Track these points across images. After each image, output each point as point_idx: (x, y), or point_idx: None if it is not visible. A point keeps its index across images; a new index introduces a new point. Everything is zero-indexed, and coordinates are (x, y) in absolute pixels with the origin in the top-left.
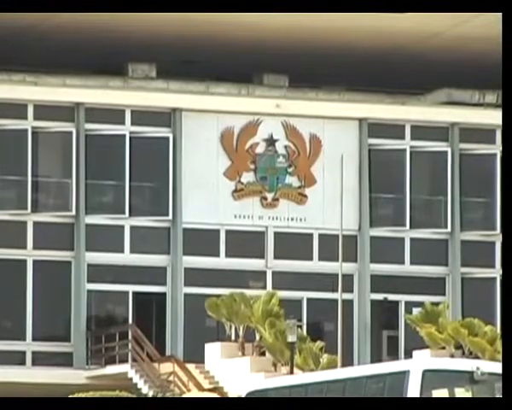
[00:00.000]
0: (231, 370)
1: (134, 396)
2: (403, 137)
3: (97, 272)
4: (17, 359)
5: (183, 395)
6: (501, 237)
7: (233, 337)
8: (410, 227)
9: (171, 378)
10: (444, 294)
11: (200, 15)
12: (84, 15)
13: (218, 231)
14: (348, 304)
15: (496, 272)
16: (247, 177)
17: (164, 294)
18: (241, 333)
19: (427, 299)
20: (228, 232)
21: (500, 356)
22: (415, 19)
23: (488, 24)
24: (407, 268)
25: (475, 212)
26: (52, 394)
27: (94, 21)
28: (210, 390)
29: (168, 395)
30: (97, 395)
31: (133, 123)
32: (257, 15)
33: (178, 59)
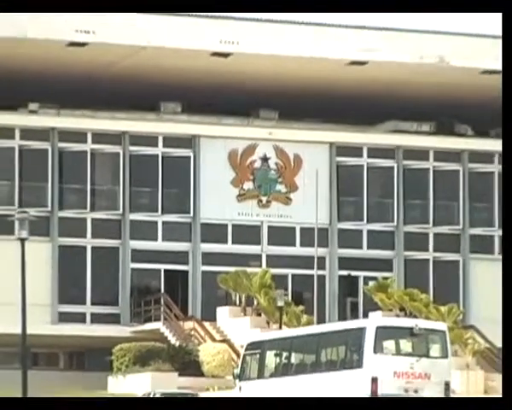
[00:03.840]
0: (236, 326)
1: (163, 345)
2: (362, 156)
3: (138, 255)
4: (80, 318)
5: (201, 346)
6: (433, 229)
7: (237, 303)
8: (367, 222)
9: (192, 333)
10: (391, 271)
11: (215, 64)
12: (127, 66)
13: (226, 225)
14: (321, 278)
15: (429, 255)
16: (248, 185)
17: (187, 271)
18: (243, 300)
19: (379, 275)
20: (233, 226)
21: (432, 316)
22: (372, 69)
23: (428, 72)
24: (365, 252)
25: (414, 211)
26: (105, 344)
27: (135, 70)
28: (221, 341)
29: (190, 345)
30: (138, 345)
31: (164, 146)
32: (256, 69)
33: (198, 99)
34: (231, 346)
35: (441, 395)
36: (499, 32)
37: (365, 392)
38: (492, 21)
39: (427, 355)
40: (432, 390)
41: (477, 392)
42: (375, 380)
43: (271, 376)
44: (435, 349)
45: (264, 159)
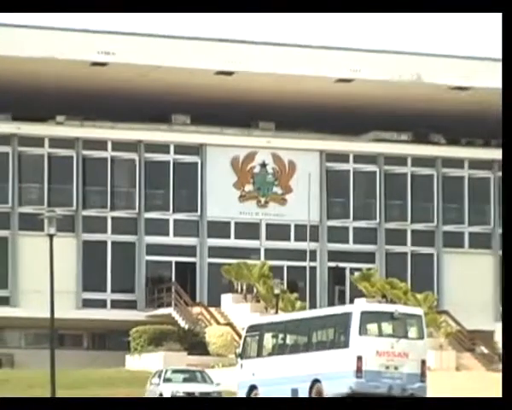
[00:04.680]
0: (238, 311)
1: (174, 328)
2: (348, 162)
3: (152, 249)
4: (101, 304)
5: (207, 328)
6: (410, 226)
7: (239, 291)
8: (353, 219)
9: (199, 317)
10: (374, 262)
11: (219, 81)
12: (143, 83)
13: (229, 223)
14: (313, 269)
15: (407, 249)
16: (248, 187)
17: (195, 263)
18: (244, 288)
19: (363, 266)
20: (236, 223)
21: (410, 303)
22: (357, 85)
23: (406, 88)
24: (351, 246)
25: (394, 210)
26: (123, 327)
27: (150, 87)
28: (225, 324)
29: (198, 328)
30: (152, 328)
31: (175, 153)
32: (255, 85)
33: (205, 112)
34: (234, 328)
35: (418, 371)
36: (470, 52)
37: (351, 369)
38: (464, 43)
39: (405, 337)
40: (410, 367)
41: (449, 368)
42: (360, 358)
43: (269, 355)
44: (413, 331)
45: (263, 165)
